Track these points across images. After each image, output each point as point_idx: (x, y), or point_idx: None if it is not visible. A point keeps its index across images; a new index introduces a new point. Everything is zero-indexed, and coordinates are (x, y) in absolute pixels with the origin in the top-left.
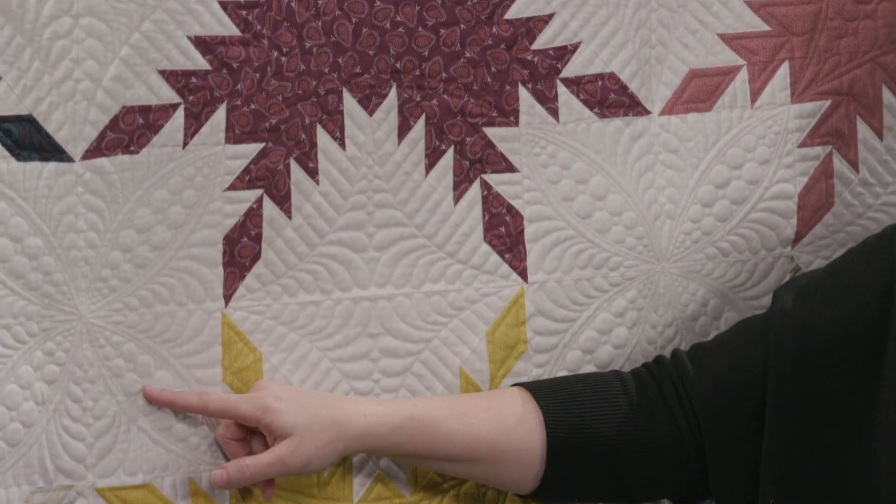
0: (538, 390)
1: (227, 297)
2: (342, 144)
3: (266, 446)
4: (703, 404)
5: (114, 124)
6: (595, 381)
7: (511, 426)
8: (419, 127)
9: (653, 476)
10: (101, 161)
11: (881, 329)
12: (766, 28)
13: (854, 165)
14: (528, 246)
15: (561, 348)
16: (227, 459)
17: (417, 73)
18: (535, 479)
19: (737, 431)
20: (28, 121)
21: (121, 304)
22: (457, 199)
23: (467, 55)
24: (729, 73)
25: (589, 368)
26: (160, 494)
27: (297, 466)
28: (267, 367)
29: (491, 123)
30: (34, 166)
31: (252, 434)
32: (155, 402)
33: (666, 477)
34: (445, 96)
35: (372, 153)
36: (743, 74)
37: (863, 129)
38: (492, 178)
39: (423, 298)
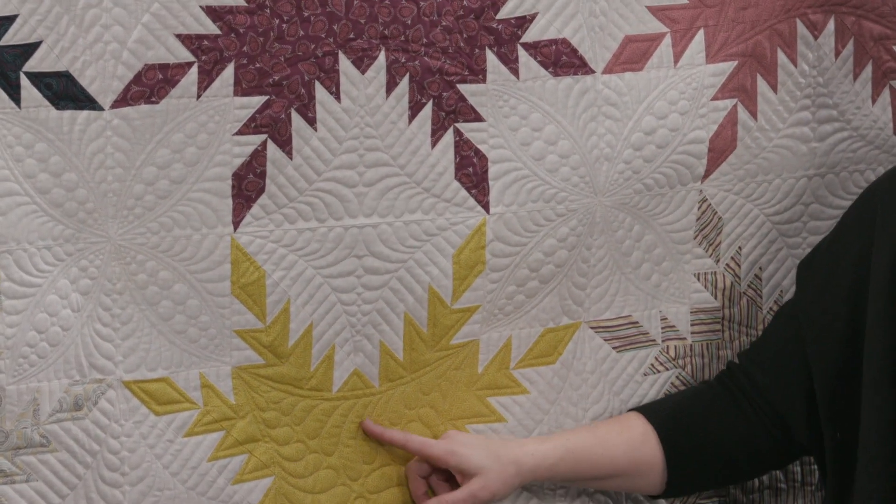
0: (649, 413)
1: (236, 224)
2: (338, 98)
3: (444, 482)
4: (767, 389)
5: (137, 79)
6: (690, 394)
7: (638, 445)
8: (404, 84)
9: (752, 455)
10: (127, 110)
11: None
12: (685, 1)
13: (754, 115)
14: (490, 183)
15: (512, 268)
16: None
17: (402, 38)
18: (662, 483)
19: (798, 397)
20: (65, 76)
21: (144, 229)
22: (434, 144)
23: (443, 24)
24: (656, 38)
25: (534, 284)
26: (175, 386)
27: (485, 499)
28: (269, 283)
29: (463, 81)
30: (70, 114)
31: (434, 472)
32: (368, 432)
33: (763, 453)
34: (426, 58)
35: (364, 105)
36: (667, 40)
37: (762, 85)
38: (463, 127)
39: (402, 226)
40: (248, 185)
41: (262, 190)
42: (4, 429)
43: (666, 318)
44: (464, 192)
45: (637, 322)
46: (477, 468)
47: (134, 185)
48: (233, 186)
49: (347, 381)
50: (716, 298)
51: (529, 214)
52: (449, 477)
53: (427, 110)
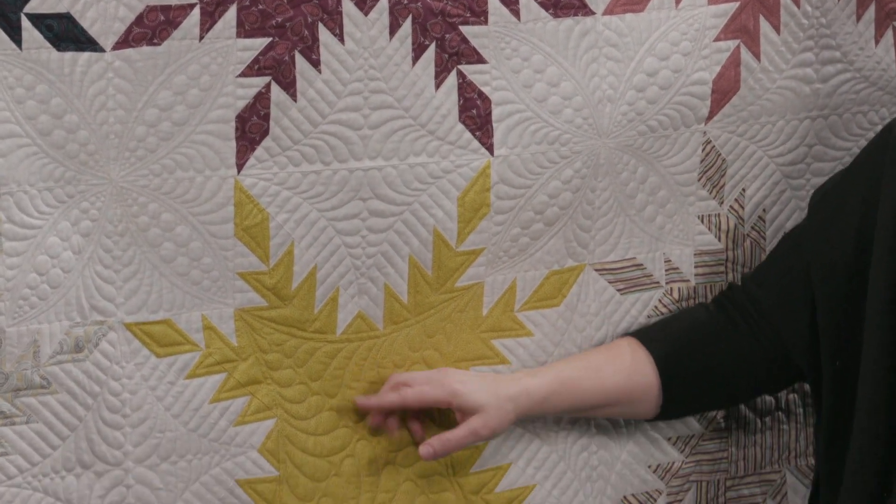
0: (643, 337)
1: (240, 166)
2: (341, 40)
3: (416, 421)
4: (778, 322)
5: (139, 20)
6: (687, 318)
7: (632, 372)
8: (407, 25)
9: (748, 379)
10: (129, 51)
11: (871, 225)
12: None
13: (756, 56)
14: (494, 125)
15: (517, 210)
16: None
17: None
18: (656, 408)
19: (801, 322)
20: (66, 18)
21: (146, 171)
22: (437, 86)
23: None
24: None
25: (538, 226)
26: (177, 328)
27: (486, 436)
28: (273, 225)
29: (465, 22)
30: (72, 56)
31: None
32: (363, 408)
33: (759, 377)
34: (429, 0)
35: (367, 47)
36: None
37: (764, 26)
38: (466, 69)
39: (406, 169)
40: (251, 128)
41: (266, 132)
42: (4, 370)
43: (670, 261)
44: (468, 135)
45: (641, 264)
46: (478, 406)
47: (136, 127)
48: (236, 129)
49: (351, 324)
50: (719, 240)
51: (533, 156)
52: (417, 414)
53: (430, 52)
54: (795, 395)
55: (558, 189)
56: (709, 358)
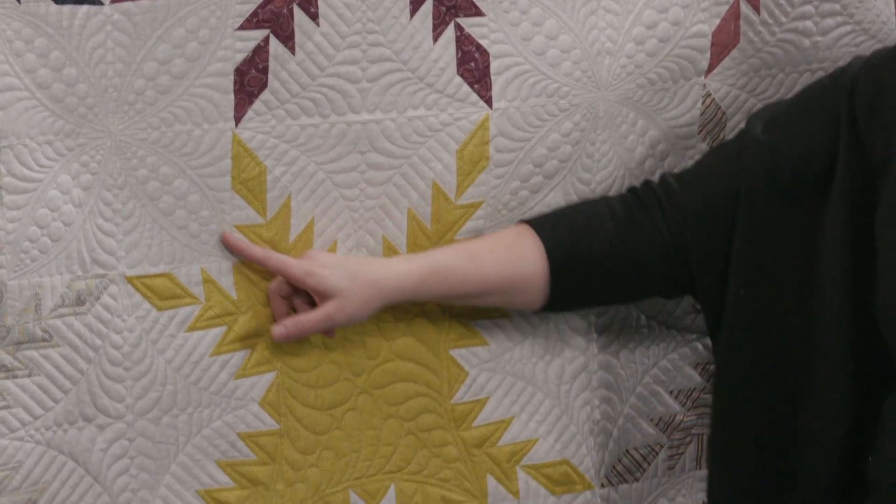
0: (537, 224)
1: (238, 119)
2: None
3: (308, 306)
4: (689, 216)
5: None
6: (585, 209)
7: (516, 259)
8: None
9: (642, 280)
10: (127, 4)
11: (831, 155)
12: None
13: (756, 8)
14: (493, 78)
15: (516, 163)
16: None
17: None
18: (543, 298)
19: (715, 238)
20: None
21: (145, 124)
22: (435, 39)
23: None
24: None
25: (538, 180)
26: (178, 282)
27: (342, 321)
28: (270, 178)
29: None
30: (70, 9)
31: (296, 294)
32: (228, 246)
33: (653, 280)
34: None
35: (365, 0)
36: None
37: None
38: (464, 22)
39: (405, 122)
40: (250, 81)
41: (264, 85)
42: (6, 324)
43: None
44: (466, 88)
45: None
46: (334, 290)
47: (135, 81)
48: (235, 82)
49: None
50: None
51: (532, 109)
52: (312, 298)
53: (428, 5)
54: None
55: (557, 142)
56: (602, 251)
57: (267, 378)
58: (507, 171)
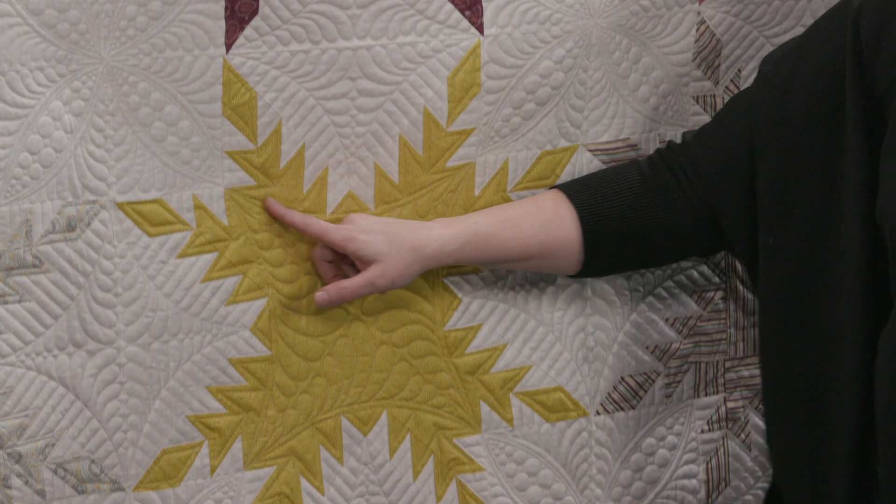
0: (569, 190)
1: (228, 45)
2: None
3: (355, 270)
4: (710, 174)
5: None
6: (614, 174)
7: (553, 227)
8: None
9: (675, 241)
10: None
11: (840, 89)
12: None
13: None
14: (484, 4)
15: (508, 90)
16: (322, 278)
17: None
18: (578, 263)
19: (739, 193)
20: None
21: (136, 50)
22: None
23: None
24: None
25: (530, 106)
26: (169, 208)
27: (384, 286)
28: (261, 104)
29: None
30: None
31: (342, 258)
32: (270, 212)
33: (686, 240)
34: None
35: None
36: None
37: None
38: None
39: (396, 48)
40: (241, 7)
41: (255, 11)
42: None
43: (665, 141)
44: (457, 14)
45: (636, 144)
46: (375, 255)
47: (126, 6)
48: (226, 8)
49: (342, 204)
50: None
51: (524, 36)
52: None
53: None
54: None
55: (550, 69)
56: (635, 217)
57: (258, 304)
58: (498, 97)
